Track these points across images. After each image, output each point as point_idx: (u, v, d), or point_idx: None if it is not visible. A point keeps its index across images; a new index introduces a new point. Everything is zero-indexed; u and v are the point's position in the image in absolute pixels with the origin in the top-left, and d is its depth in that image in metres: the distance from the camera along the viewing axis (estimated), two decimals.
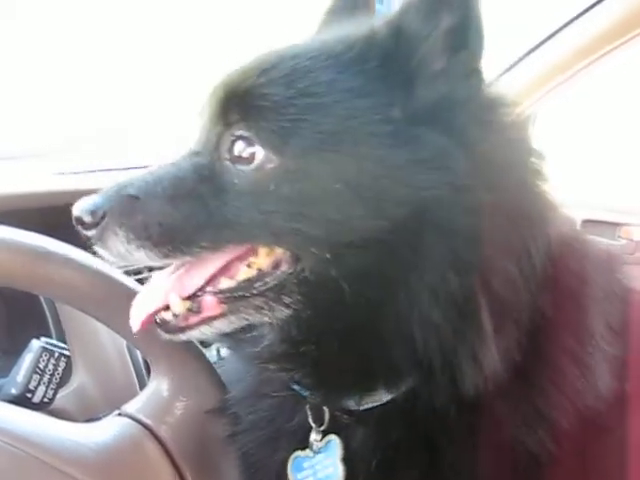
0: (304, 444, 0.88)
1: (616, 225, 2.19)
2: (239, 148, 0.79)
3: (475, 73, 0.79)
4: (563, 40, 1.91)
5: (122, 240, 0.79)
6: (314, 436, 0.87)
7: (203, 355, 0.99)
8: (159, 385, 0.94)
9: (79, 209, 0.80)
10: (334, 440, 0.86)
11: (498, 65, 1.99)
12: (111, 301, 0.94)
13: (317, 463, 0.87)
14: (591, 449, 0.81)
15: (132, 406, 0.93)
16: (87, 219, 0.79)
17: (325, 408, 0.87)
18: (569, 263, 0.85)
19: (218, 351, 1.55)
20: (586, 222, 2.24)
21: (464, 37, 0.76)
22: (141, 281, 1.49)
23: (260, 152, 0.77)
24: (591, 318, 0.85)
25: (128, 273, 1.41)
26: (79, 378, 1.31)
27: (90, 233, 0.80)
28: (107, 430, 0.88)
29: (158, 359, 0.95)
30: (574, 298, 0.84)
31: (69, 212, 0.80)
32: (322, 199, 0.76)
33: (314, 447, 0.87)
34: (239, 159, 0.79)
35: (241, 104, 0.80)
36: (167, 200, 0.79)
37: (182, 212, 0.79)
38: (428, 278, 0.74)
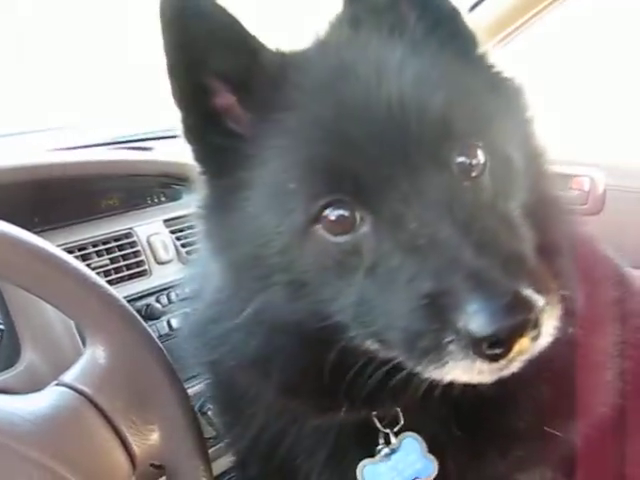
0: (365, 453, 0.86)
1: (567, 177, 2.21)
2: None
3: None
4: None
5: None
6: (382, 440, 0.86)
7: (140, 324, 0.99)
8: (94, 353, 0.94)
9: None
10: (411, 437, 0.85)
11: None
12: (41, 272, 0.93)
13: (399, 462, 0.85)
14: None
15: (69, 375, 0.93)
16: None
17: (399, 409, 0.84)
18: None
19: (169, 323, 1.56)
20: None
21: None
22: (85, 257, 1.49)
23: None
24: None
25: (70, 250, 1.41)
26: (28, 356, 1.32)
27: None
28: (44, 400, 0.89)
29: (92, 327, 0.95)
30: None
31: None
32: None
33: (383, 451, 0.85)
34: None
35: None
36: None
37: None
38: None
